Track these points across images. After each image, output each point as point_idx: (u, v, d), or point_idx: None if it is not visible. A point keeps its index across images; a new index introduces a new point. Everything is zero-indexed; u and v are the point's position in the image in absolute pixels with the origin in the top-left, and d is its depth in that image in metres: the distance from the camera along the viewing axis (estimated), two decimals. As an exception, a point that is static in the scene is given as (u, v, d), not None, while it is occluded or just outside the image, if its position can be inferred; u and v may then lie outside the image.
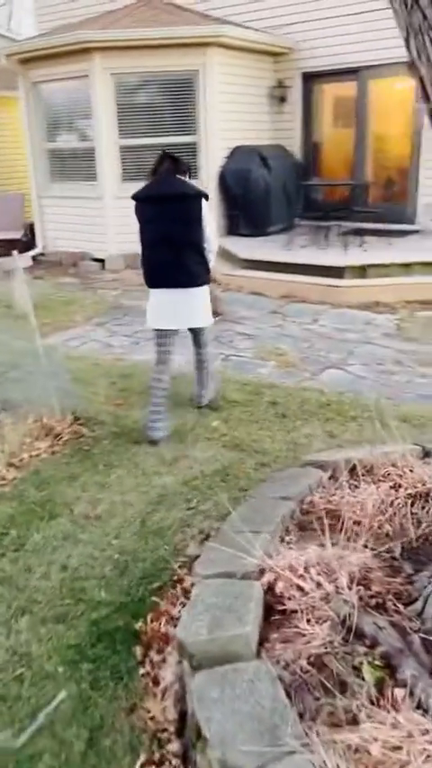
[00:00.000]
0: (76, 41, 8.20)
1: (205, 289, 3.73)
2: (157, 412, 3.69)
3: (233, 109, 8.99)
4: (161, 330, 3.69)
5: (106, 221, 8.93)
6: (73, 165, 9.35)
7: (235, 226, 9.12)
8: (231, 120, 9.00)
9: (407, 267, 6.93)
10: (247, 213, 8.93)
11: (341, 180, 9.38)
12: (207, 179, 8.87)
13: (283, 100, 9.55)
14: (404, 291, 6.71)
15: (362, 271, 6.94)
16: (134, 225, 3.64)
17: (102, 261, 9.08)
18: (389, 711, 1.61)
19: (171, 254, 3.52)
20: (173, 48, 8.29)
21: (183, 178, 3.58)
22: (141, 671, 2.08)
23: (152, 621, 2.25)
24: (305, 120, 9.64)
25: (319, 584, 2.03)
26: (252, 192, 8.71)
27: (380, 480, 2.70)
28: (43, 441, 3.53)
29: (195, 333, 3.91)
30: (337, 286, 6.77)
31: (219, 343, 5.58)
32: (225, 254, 8.24)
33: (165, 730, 1.87)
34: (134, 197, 3.59)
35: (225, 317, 6.35)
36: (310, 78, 9.41)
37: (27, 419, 3.62)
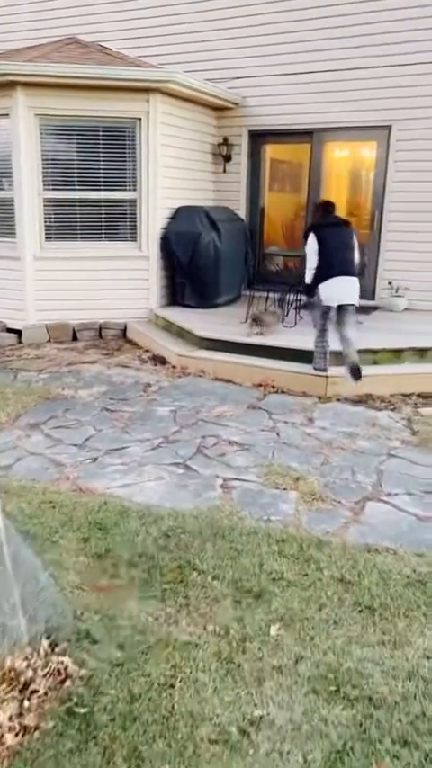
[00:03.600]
0: (-4, 73, 6.82)
1: None
2: None
3: (177, 165, 7.93)
4: None
5: (25, 285, 7.40)
6: (-16, 217, 7.80)
7: (180, 296, 7.92)
8: (175, 177, 7.92)
9: (398, 354, 6.01)
10: (194, 282, 7.77)
11: (292, 249, 8.51)
12: (148, 241, 7.66)
13: (228, 158, 8.64)
14: (399, 383, 5.76)
15: (348, 357, 5.93)
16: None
17: (18, 332, 7.48)
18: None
19: None
20: (112, 90, 7.14)
21: None
22: None
23: None
24: (252, 182, 8.78)
25: None
26: (201, 259, 7.59)
27: None
28: (3, 706, 1.98)
29: None
30: (322, 375, 5.69)
31: (207, 459, 4.24)
32: (177, 331, 6.97)
33: None
34: None
35: (200, 414, 5.04)
36: (258, 137, 8.60)
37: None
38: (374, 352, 5.98)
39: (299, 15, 7.85)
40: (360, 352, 5.93)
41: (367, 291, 8.00)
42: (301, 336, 6.35)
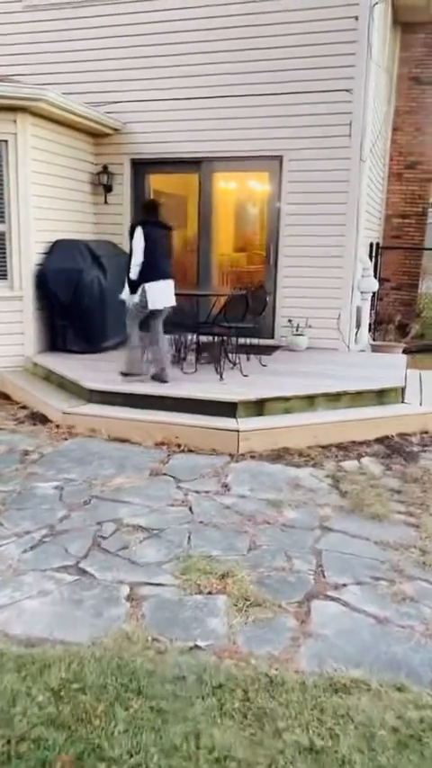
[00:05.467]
0: None
1: None
2: None
3: (52, 194, 7.03)
4: None
5: None
6: None
7: (62, 340, 6.95)
8: (50, 207, 7.01)
9: (310, 401, 5.44)
10: (77, 324, 6.84)
11: (187, 288, 7.83)
12: (21, 279, 6.66)
13: (109, 188, 7.87)
14: (314, 433, 5.16)
15: (258, 407, 5.27)
16: None
17: None
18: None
19: None
20: (-29, 108, 6.16)
21: None
22: None
23: None
24: (137, 214, 8.02)
25: None
26: (85, 299, 6.70)
27: None
28: None
29: None
30: (232, 429, 4.98)
31: (107, 556, 3.33)
32: (60, 382, 6.01)
33: None
34: None
35: (93, 488, 4.11)
36: (142, 166, 7.92)
37: None
38: (286, 399, 5.36)
39: (181, 38, 7.33)
40: (271, 400, 5.32)
41: (266, 330, 7.49)
42: (204, 384, 5.62)
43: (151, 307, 5.48)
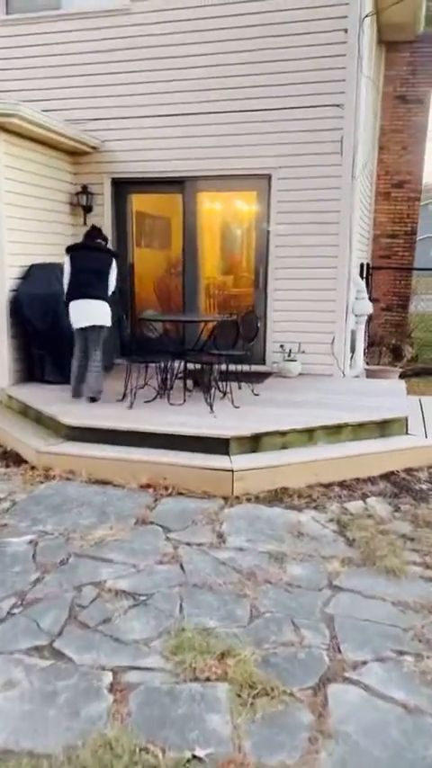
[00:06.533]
0: None
1: None
2: None
3: (27, 215, 6.63)
4: None
5: None
6: None
7: (39, 370, 6.51)
8: (25, 229, 6.61)
9: (309, 434, 5.03)
10: (55, 353, 6.40)
11: (172, 312, 7.45)
12: (-6, 306, 6.21)
13: (88, 209, 7.48)
14: (314, 470, 4.74)
15: (253, 442, 4.85)
16: None
17: None
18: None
19: None
20: None
21: None
22: None
23: None
24: (118, 236, 7.65)
25: None
26: (63, 327, 6.25)
27: None
28: None
29: None
30: (225, 469, 4.54)
31: (85, 632, 2.86)
32: (36, 417, 5.55)
33: None
34: None
35: (71, 543, 3.64)
36: (123, 185, 7.55)
37: None
38: (283, 433, 4.94)
39: (163, 52, 7.02)
40: (266, 435, 4.90)
41: (257, 356, 7.09)
42: (193, 418, 5.19)
43: (74, 325, 5.66)
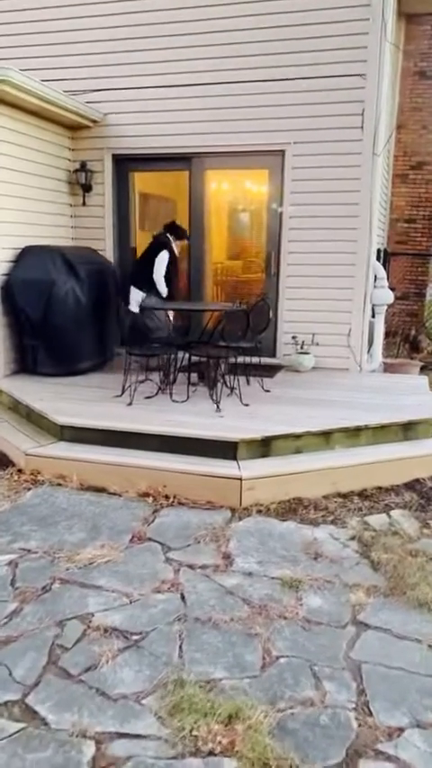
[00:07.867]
0: None
1: None
2: None
3: (20, 193, 6.12)
4: None
5: None
6: None
7: (32, 361, 6.03)
8: (18, 208, 6.10)
9: (326, 437, 4.54)
10: (50, 343, 5.92)
11: (176, 300, 6.92)
12: (-17, 292, 5.72)
13: (88, 188, 6.95)
14: (332, 478, 4.26)
15: (264, 446, 4.36)
16: None
17: None
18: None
19: None
20: None
21: None
22: None
23: None
24: (120, 217, 7.14)
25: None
26: (58, 314, 5.78)
27: None
28: None
29: None
30: (233, 477, 4.06)
31: (66, 684, 2.40)
32: (28, 413, 5.08)
33: None
34: None
35: (56, 564, 3.18)
36: (125, 162, 7.01)
37: None
38: (297, 436, 4.45)
39: (169, 16, 6.45)
40: (279, 437, 4.41)
41: (267, 348, 6.59)
42: (197, 418, 4.71)
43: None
